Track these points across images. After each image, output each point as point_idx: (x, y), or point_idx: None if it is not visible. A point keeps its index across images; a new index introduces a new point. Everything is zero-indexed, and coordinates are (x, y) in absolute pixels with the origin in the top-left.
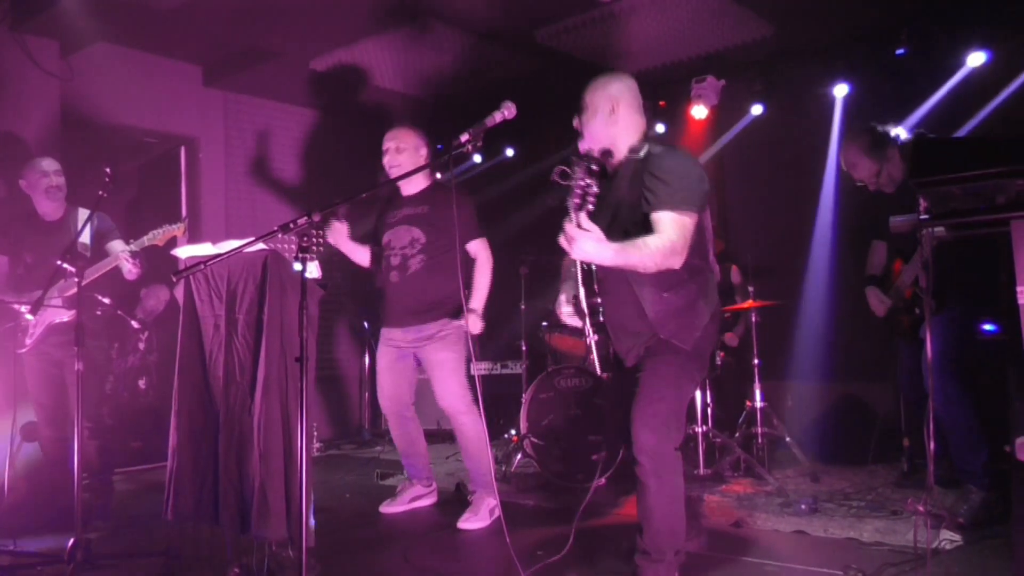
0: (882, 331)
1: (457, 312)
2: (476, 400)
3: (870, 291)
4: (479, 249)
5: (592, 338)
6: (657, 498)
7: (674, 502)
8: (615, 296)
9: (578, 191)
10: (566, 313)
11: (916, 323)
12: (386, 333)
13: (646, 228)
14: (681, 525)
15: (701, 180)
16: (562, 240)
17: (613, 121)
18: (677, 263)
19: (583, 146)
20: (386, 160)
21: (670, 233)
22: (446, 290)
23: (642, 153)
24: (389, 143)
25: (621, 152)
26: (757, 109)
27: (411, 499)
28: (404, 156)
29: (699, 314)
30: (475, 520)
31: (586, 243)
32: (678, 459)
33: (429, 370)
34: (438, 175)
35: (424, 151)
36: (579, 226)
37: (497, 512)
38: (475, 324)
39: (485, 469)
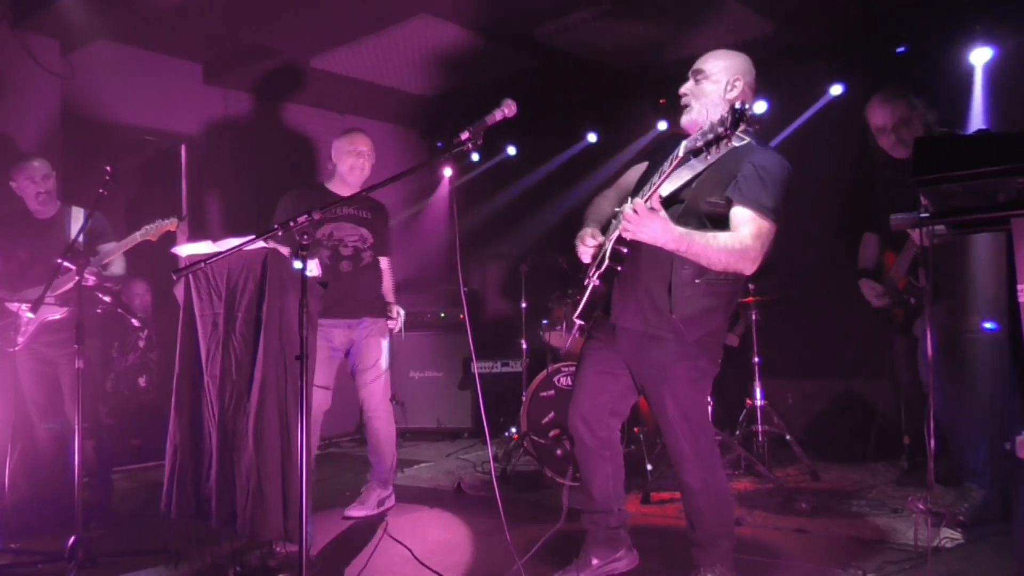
0: (879, 326)
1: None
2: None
3: (863, 283)
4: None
5: (594, 282)
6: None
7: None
8: (647, 259)
9: (668, 168)
10: (588, 245)
11: (910, 316)
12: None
13: (721, 221)
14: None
15: (789, 192)
16: (627, 212)
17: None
18: (749, 268)
19: (693, 118)
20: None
21: (744, 233)
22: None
23: (744, 142)
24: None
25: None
26: (761, 106)
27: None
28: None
29: (714, 318)
30: (362, 509)
31: (653, 224)
32: (717, 455)
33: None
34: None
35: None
36: (649, 205)
37: (388, 503)
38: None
39: (385, 467)
